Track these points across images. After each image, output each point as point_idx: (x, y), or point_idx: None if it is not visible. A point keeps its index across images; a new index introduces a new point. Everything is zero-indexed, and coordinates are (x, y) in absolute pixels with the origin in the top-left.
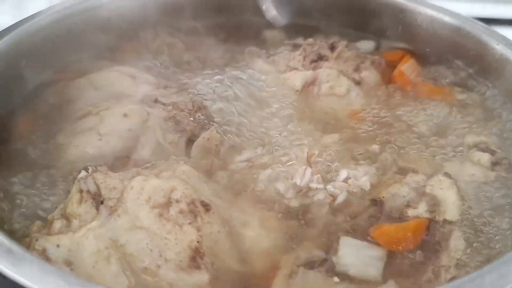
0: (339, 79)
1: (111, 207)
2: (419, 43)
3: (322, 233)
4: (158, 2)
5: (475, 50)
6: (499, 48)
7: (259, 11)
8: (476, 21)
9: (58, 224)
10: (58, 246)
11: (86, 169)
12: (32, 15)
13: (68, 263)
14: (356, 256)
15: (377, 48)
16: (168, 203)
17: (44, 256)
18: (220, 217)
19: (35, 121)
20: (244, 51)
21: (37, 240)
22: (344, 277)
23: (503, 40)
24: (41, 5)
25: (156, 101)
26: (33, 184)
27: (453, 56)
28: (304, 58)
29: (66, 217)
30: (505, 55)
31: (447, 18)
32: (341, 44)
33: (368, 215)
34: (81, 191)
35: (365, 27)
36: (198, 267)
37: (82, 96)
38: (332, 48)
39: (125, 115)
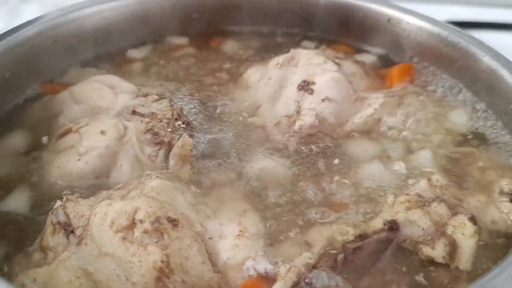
0: (317, 55)
1: (79, 236)
2: (406, 52)
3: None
4: (142, 14)
5: (462, 61)
6: (486, 59)
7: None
8: (462, 31)
9: (36, 257)
10: (35, 280)
11: (61, 198)
12: (17, 26)
13: None
14: None
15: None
16: (132, 225)
17: None
18: (192, 230)
19: (22, 136)
20: None
21: (16, 275)
22: None
23: (489, 51)
24: (34, 11)
25: (133, 112)
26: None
27: (441, 66)
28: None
29: (43, 249)
30: (491, 66)
31: (433, 28)
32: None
33: (379, 240)
34: (53, 223)
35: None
36: (165, 287)
37: (64, 111)
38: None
39: (102, 132)
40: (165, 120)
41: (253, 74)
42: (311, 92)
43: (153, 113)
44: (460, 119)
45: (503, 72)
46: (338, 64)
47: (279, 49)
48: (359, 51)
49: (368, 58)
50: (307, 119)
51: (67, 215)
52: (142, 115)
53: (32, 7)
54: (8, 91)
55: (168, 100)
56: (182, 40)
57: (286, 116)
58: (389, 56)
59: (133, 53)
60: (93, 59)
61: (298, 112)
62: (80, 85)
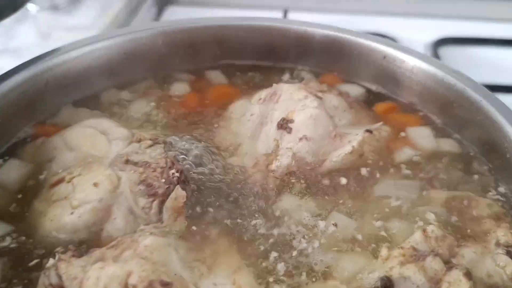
0: (299, 90)
1: None
2: (403, 92)
3: None
4: (124, 53)
5: (458, 103)
6: (483, 104)
7: None
8: (460, 72)
9: None
10: None
11: (54, 255)
12: (7, 72)
13: None
14: None
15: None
16: None
17: None
18: None
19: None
20: None
21: None
22: None
23: (488, 96)
24: (29, 32)
25: (127, 161)
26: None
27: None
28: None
29: None
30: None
31: (430, 68)
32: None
33: None
34: (45, 285)
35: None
36: None
37: (57, 157)
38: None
39: (95, 184)
40: (158, 170)
41: (237, 109)
42: (289, 131)
43: (146, 162)
44: None
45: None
46: (320, 98)
47: (267, 82)
48: (349, 82)
49: (356, 91)
50: (283, 160)
51: (59, 277)
52: (136, 164)
53: (27, 27)
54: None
55: (162, 146)
56: (179, 77)
57: (264, 155)
58: (381, 92)
59: (125, 93)
60: (86, 99)
61: (276, 151)
62: (72, 130)
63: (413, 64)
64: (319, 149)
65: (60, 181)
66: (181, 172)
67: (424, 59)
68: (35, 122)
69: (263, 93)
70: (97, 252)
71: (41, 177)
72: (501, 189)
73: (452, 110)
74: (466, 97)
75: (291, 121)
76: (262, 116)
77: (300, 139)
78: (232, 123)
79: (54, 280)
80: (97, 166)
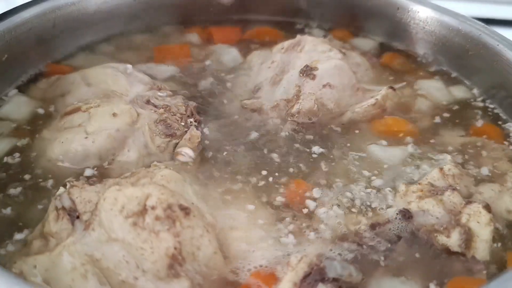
0: (323, 43)
1: (85, 221)
2: (416, 44)
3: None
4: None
5: (474, 51)
6: (500, 48)
7: None
8: (475, 20)
9: (36, 244)
10: (35, 267)
11: (64, 185)
12: (15, 8)
13: (47, 283)
14: None
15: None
16: (143, 211)
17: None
18: (203, 220)
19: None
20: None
21: (14, 262)
22: None
23: (504, 40)
24: None
25: (148, 102)
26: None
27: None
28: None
29: (44, 236)
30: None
31: (445, 18)
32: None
33: (394, 227)
34: (57, 208)
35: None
36: (177, 275)
37: (73, 91)
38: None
39: (114, 114)
40: (178, 115)
41: (255, 56)
42: (313, 77)
43: (167, 106)
44: None
45: None
46: (343, 53)
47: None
48: (362, 36)
49: (368, 44)
50: (305, 103)
51: (72, 201)
52: (156, 106)
53: None
54: (9, 72)
55: (182, 96)
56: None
57: (285, 99)
58: (393, 44)
59: (137, 39)
60: (97, 43)
61: (297, 96)
62: (93, 68)
63: (427, 14)
64: (341, 99)
65: (75, 110)
66: (199, 122)
67: (438, 9)
68: (49, 62)
69: (286, 43)
70: (111, 181)
71: (52, 109)
72: None
73: (466, 58)
74: (482, 43)
75: (315, 68)
76: (284, 63)
77: (324, 85)
78: (252, 71)
79: (67, 203)
80: (117, 100)
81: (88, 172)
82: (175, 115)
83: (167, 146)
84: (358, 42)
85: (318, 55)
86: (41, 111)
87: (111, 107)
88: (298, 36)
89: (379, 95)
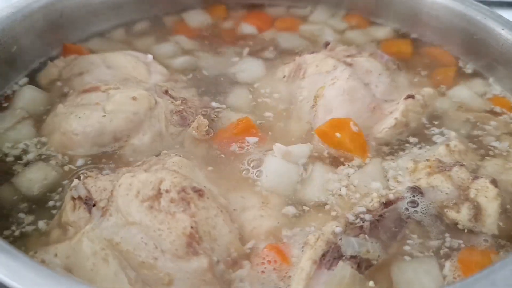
0: (325, 60)
1: (102, 208)
2: (420, 27)
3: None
4: None
5: (479, 35)
6: (504, 33)
7: None
8: (480, 5)
9: (55, 234)
10: (56, 255)
11: (78, 177)
12: None
13: (68, 270)
14: None
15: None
16: (158, 195)
17: None
18: (216, 202)
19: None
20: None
21: (35, 252)
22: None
23: (508, 23)
24: None
25: (166, 92)
26: None
27: (458, 42)
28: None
29: (62, 226)
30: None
31: (451, 2)
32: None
33: (406, 203)
34: (73, 198)
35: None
36: (196, 253)
37: (92, 71)
38: (326, 45)
39: (134, 98)
40: (193, 108)
41: (263, 86)
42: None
43: (184, 98)
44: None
45: None
46: (350, 64)
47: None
48: (373, 24)
49: (383, 32)
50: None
51: (87, 190)
52: (173, 98)
53: None
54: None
55: (196, 89)
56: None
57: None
58: (404, 31)
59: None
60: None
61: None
62: (114, 53)
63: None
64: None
65: (94, 89)
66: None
67: None
68: (65, 43)
69: (286, 69)
70: (124, 170)
71: (66, 90)
72: None
73: (472, 42)
74: (488, 28)
75: (322, 96)
76: (290, 94)
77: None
78: (262, 103)
79: (82, 192)
80: (136, 85)
81: (98, 150)
82: (190, 108)
83: (180, 135)
84: (373, 31)
85: (323, 78)
86: (55, 89)
87: (131, 91)
88: (297, 59)
89: (398, 112)
